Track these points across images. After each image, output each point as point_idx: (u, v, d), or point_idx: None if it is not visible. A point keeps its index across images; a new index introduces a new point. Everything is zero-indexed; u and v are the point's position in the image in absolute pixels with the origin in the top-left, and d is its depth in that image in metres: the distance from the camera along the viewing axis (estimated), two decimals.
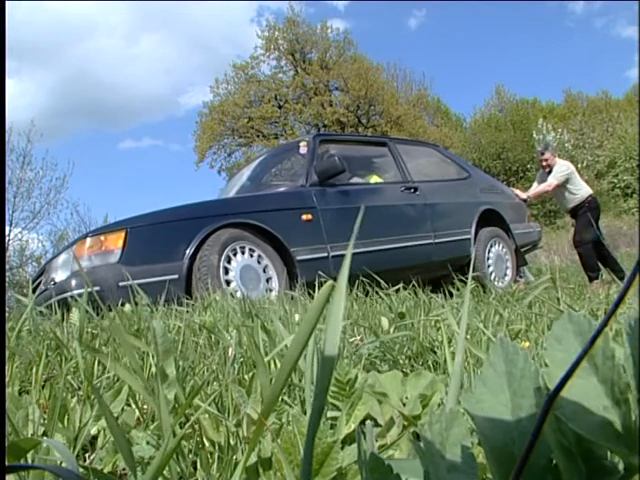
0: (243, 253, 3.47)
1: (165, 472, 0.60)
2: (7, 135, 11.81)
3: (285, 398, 0.91)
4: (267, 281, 3.50)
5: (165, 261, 3.19)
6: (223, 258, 3.31)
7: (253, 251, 3.52)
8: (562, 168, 5.64)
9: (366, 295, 2.53)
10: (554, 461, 0.24)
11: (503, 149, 23.84)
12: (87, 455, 0.78)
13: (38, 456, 0.64)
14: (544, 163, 5.74)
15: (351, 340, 1.37)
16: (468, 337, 1.29)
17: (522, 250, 5.50)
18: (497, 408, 0.25)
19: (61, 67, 38.37)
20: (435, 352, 1.26)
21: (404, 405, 0.83)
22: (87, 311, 1.15)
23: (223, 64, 42.33)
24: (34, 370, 1.03)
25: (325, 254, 3.82)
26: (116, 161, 43.18)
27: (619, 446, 0.22)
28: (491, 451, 0.24)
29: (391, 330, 1.46)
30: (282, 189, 4.17)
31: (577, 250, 5.70)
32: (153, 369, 0.98)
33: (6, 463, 0.44)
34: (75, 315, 1.67)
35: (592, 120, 24.56)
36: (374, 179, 4.76)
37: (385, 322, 1.51)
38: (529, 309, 1.85)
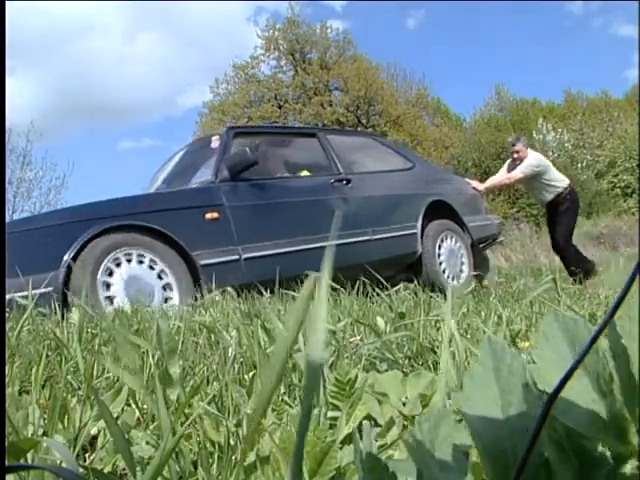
0: (130, 261, 3.03)
1: (165, 472, 0.60)
2: (7, 135, 11.82)
3: (285, 398, 0.92)
4: (164, 291, 3.09)
5: (39, 272, 2.74)
6: (102, 268, 2.89)
7: (145, 258, 3.08)
8: (532, 162, 5.30)
9: (366, 295, 2.53)
10: (546, 454, 0.25)
11: (503, 149, 23.81)
12: (87, 455, 0.78)
13: (38, 456, 0.64)
14: (515, 155, 5.43)
15: (351, 340, 1.37)
16: (468, 337, 1.29)
17: (481, 245, 5.12)
18: (487, 405, 0.25)
19: (58, 67, 38.35)
20: (435, 352, 1.26)
21: (404, 405, 0.83)
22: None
23: (221, 64, 42.39)
24: (34, 370, 1.03)
25: (236, 257, 3.40)
26: (116, 161, 43.17)
27: (607, 437, 0.23)
28: (483, 447, 0.24)
29: (389, 329, 1.46)
30: (187, 186, 3.80)
31: (561, 254, 5.39)
32: (153, 369, 0.98)
33: (6, 463, 0.44)
34: (75, 315, 1.67)
35: (592, 120, 24.56)
36: (304, 174, 4.34)
37: (381, 322, 1.50)
38: (529, 309, 1.85)
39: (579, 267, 5.10)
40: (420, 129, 23.06)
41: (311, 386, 0.21)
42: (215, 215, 3.43)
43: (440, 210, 4.67)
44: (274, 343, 1.11)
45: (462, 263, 4.74)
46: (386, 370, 1.10)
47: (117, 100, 37.85)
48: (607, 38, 41.66)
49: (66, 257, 2.85)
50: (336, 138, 4.63)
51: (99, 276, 2.88)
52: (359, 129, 22.58)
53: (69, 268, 2.83)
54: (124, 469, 0.73)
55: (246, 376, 1.04)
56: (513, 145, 5.46)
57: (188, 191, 3.67)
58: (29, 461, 0.62)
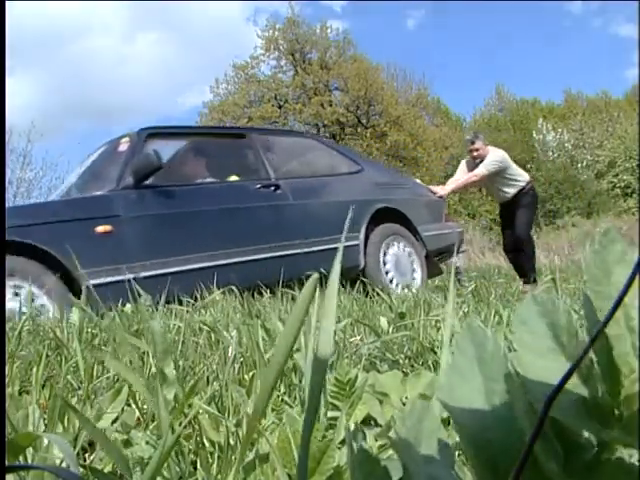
0: None
1: (165, 472, 0.60)
2: (7, 135, 11.82)
3: (285, 398, 0.92)
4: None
5: None
6: None
7: (12, 281, 2.62)
8: (496, 158, 5.09)
9: (366, 295, 2.53)
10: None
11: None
12: (87, 455, 0.78)
13: (38, 455, 0.64)
14: (475, 153, 5.15)
15: (351, 340, 1.37)
16: None
17: (438, 257, 4.63)
18: (470, 395, 0.25)
19: (58, 67, 38.35)
20: (435, 352, 1.26)
21: (404, 405, 0.83)
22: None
23: (221, 64, 42.44)
24: (34, 370, 1.03)
25: (131, 275, 2.91)
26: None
27: (590, 422, 0.23)
28: (467, 438, 0.24)
29: (391, 330, 1.46)
30: (78, 195, 3.39)
31: (521, 247, 5.00)
32: (153, 369, 0.98)
33: (6, 463, 0.44)
34: (75, 315, 1.68)
35: (592, 120, 24.55)
36: (233, 179, 3.93)
37: (384, 322, 1.51)
38: None
39: (527, 270, 4.83)
40: (420, 129, 23.04)
41: (316, 385, 0.21)
42: (108, 228, 3.01)
43: (390, 218, 4.24)
44: (274, 343, 1.11)
45: (413, 270, 4.30)
46: (386, 370, 1.10)
47: (117, 100, 37.85)
48: (607, 38, 41.68)
49: None
50: (271, 139, 4.24)
51: None
52: (359, 129, 22.59)
53: None
54: None
55: (246, 376, 1.04)
56: (472, 143, 5.17)
57: (78, 201, 3.26)
58: (29, 460, 0.62)
